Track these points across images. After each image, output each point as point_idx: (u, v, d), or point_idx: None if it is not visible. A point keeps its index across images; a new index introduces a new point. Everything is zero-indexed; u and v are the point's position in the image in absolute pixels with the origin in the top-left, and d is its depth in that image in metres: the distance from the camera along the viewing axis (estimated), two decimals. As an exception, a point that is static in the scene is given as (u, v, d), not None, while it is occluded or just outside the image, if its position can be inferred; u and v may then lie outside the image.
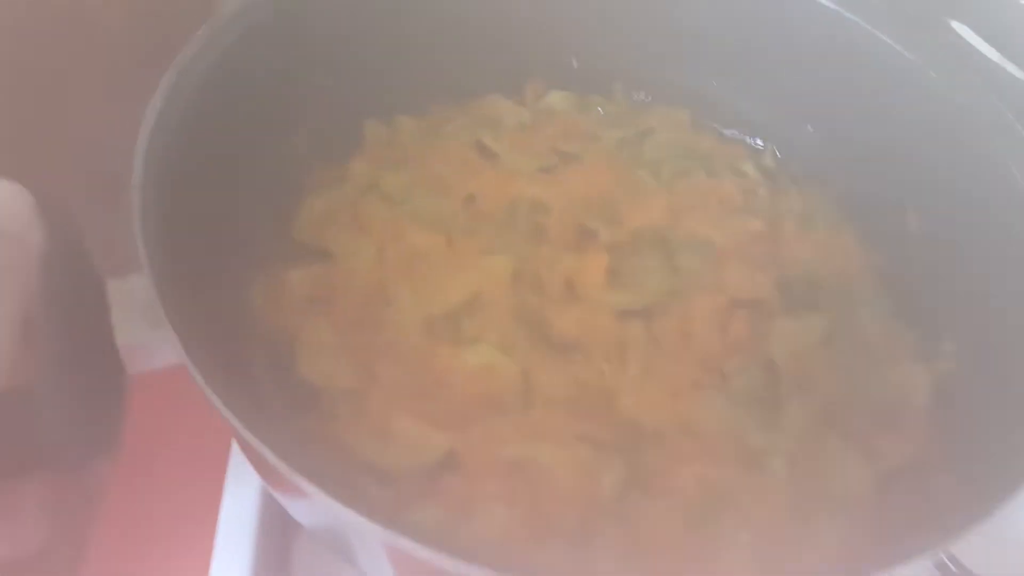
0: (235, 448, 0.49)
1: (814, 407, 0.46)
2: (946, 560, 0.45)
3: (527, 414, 0.45)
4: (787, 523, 0.41)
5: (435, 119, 0.61)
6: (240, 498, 0.47)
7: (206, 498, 0.46)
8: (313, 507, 0.34)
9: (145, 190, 0.35)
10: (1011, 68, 0.48)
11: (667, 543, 0.40)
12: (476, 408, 0.45)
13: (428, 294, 0.49)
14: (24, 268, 0.30)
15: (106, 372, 0.33)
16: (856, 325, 0.50)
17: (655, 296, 0.50)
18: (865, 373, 0.47)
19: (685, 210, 0.55)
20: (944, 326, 0.48)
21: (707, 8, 0.59)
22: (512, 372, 0.46)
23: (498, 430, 0.44)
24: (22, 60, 0.57)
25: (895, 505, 0.40)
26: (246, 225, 0.50)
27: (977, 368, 0.44)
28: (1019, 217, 0.44)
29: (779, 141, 0.61)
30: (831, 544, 0.40)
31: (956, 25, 0.52)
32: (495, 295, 0.50)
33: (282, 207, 0.53)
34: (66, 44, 0.66)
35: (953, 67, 0.49)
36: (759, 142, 0.62)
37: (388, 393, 0.45)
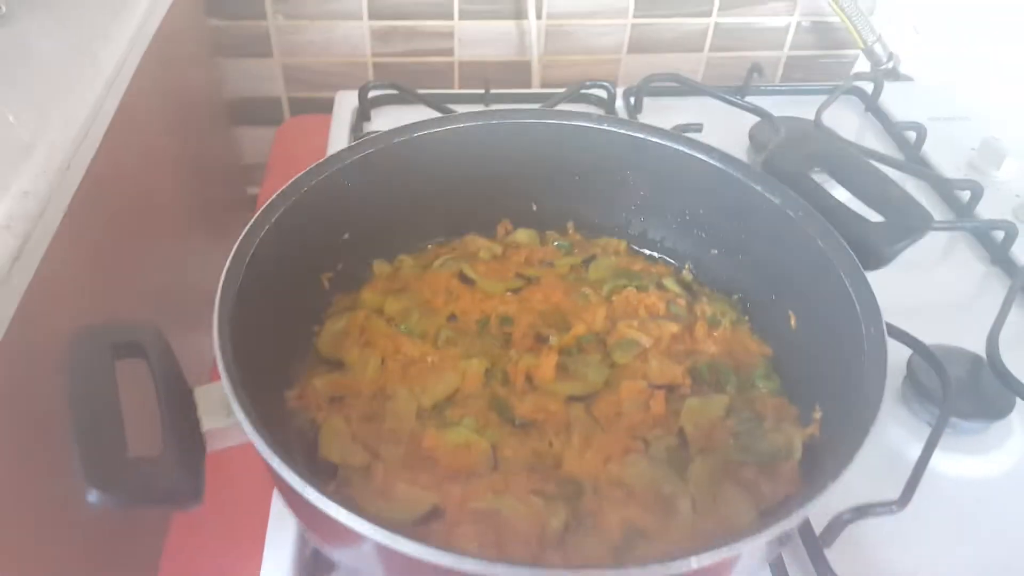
0: (274, 508, 0.64)
1: (714, 463, 0.60)
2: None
3: (494, 476, 0.59)
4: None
5: (428, 256, 0.79)
6: (279, 549, 0.61)
7: (251, 551, 0.61)
8: (345, 538, 0.48)
9: (221, 328, 0.51)
10: (848, 203, 0.65)
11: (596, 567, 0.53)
12: (455, 474, 0.59)
13: (419, 391, 0.65)
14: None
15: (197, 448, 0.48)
16: (750, 400, 0.65)
17: (594, 385, 0.66)
18: (755, 436, 0.62)
19: (619, 317, 0.72)
20: (816, 397, 0.62)
21: (632, 171, 0.77)
22: (484, 446, 0.61)
23: (472, 489, 0.58)
24: (123, 242, 0.76)
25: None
26: (285, 345, 0.67)
27: (835, 428, 0.58)
28: (852, 321, 0.58)
29: (693, 261, 0.78)
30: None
31: (815, 175, 0.69)
32: (472, 389, 0.66)
33: (310, 330, 0.70)
34: (149, 225, 0.86)
35: (804, 208, 0.65)
36: (678, 263, 0.79)
37: (389, 467, 0.60)
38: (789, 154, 0.70)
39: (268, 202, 0.61)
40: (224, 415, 0.49)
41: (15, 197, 0.57)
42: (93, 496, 0.41)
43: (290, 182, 0.64)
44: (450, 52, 1.28)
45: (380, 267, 0.76)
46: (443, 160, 0.75)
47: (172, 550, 0.70)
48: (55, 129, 0.64)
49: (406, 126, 0.71)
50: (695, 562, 0.42)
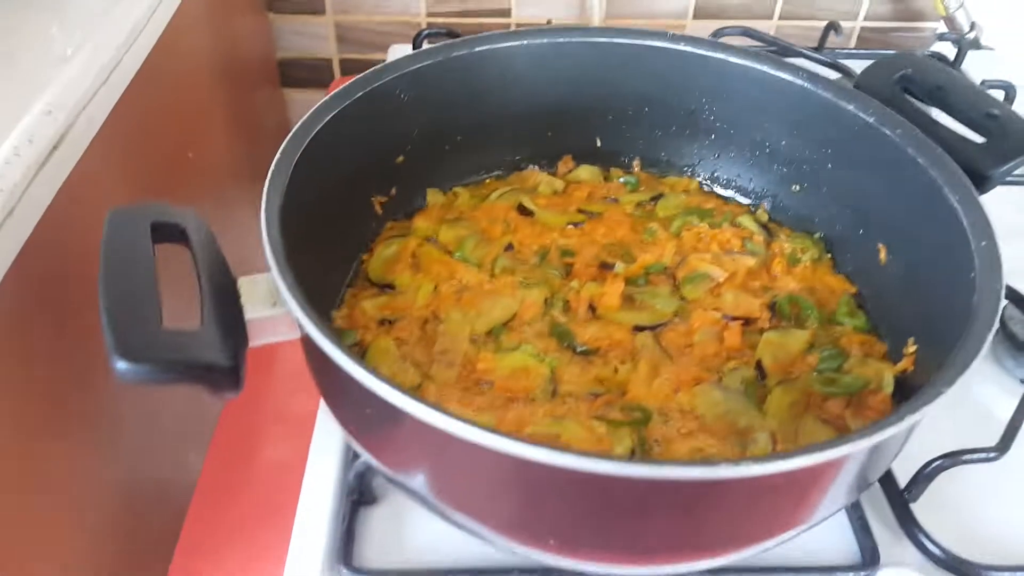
0: (317, 430, 0.60)
1: (795, 395, 0.54)
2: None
3: (553, 402, 0.54)
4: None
5: (485, 189, 0.75)
6: (323, 463, 0.57)
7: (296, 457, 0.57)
8: (399, 423, 0.43)
9: (268, 211, 0.48)
10: (947, 121, 0.59)
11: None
12: (512, 398, 0.55)
13: (473, 316, 0.60)
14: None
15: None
16: (834, 336, 0.59)
17: (662, 315, 0.61)
18: (840, 370, 0.56)
19: (689, 252, 0.66)
20: (908, 332, 0.56)
21: (708, 98, 0.71)
22: (543, 371, 0.56)
23: (529, 414, 0.53)
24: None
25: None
26: (333, 264, 0.63)
27: (929, 361, 0.52)
28: (959, 242, 0.52)
29: (771, 199, 0.72)
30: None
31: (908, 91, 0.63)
32: (530, 316, 0.61)
33: (359, 254, 0.66)
34: (189, 182, 0.83)
35: (903, 124, 0.59)
36: (754, 201, 0.73)
37: (441, 388, 0.56)
38: (879, 77, 0.64)
39: (321, 102, 0.58)
40: (270, 304, 0.46)
41: (58, 87, 0.54)
42: (121, 365, 0.37)
43: (344, 85, 0.60)
44: (507, 12, 1.25)
45: (434, 196, 0.72)
46: (504, 80, 0.71)
47: (207, 479, 0.67)
48: (98, 38, 0.61)
49: (467, 39, 0.67)
50: (788, 464, 0.36)
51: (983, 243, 0.49)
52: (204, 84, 0.92)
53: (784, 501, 0.41)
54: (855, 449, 0.37)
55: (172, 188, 0.80)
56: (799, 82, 0.65)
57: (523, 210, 0.71)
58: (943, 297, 0.53)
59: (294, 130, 0.55)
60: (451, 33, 1.04)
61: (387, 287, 0.64)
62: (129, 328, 0.39)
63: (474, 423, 0.37)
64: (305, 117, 0.57)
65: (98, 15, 0.65)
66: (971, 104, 0.60)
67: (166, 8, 0.75)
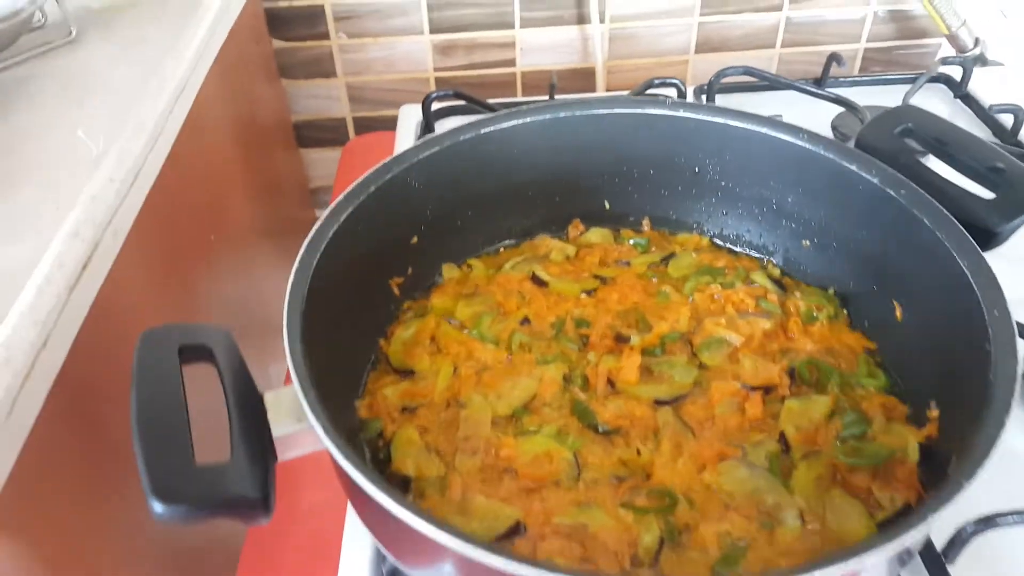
0: (348, 523, 0.61)
1: (821, 469, 0.54)
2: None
3: (578, 488, 0.55)
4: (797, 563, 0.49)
5: (498, 259, 0.76)
6: (356, 567, 0.58)
7: (326, 566, 0.58)
8: (428, 553, 0.44)
9: (290, 327, 0.49)
10: (950, 176, 0.59)
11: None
12: (536, 485, 0.55)
13: (494, 398, 0.61)
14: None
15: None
16: (855, 400, 0.59)
17: (681, 387, 0.61)
18: (864, 439, 0.56)
19: (705, 316, 0.67)
20: (929, 394, 0.56)
21: (711, 159, 0.72)
22: (565, 455, 0.57)
23: (555, 502, 0.54)
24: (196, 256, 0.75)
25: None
26: (354, 353, 0.64)
27: (956, 426, 0.52)
28: (972, 307, 0.52)
29: (782, 255, 0.72)
30: None
31: (910, 142, 0.63)
32: (549, 395, 0.62)
33: (380, 339, 0.68)
34: (216, 241, 0.85)
35: (906, 186, 0.59)
36: (765, 257, 0.73)
37: (466, 478, 0.56)
38: (881, 131, 0.65)
39: (336, 202, 0.59)
40: (295, 420, 0.47)
41: (84, 204, 0.56)
42: (158, 508, 0.39)
43: (357, 181, 0.62)
44: (512, 63, 1.27)
45: (450, 271, 0.74)
46: (511, 157, 0.72)
47: (244, 571, 0.68)
48: (123, 140, 0.64)
49: (472, 123, 0.69)
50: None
51: (995, 312, 0.49)
52: (225, 161, 0.94)
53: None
54: (885, 553, 0.37)
55: (197, 272, 0.83)
56: (800, 143, 0.65)
57: (536, 279, 0.72)
58: (961, 361, 0.53)
59: (311, 234, 0.57)
60: (458, 94, 1.06)
61: (407, 372, 0.65)
62: (164, 469, 0.40)
63: (487, 546, 0.38)
64: (321, 219, 0.58)
65: (122, 111, 0.67)
66: (974, 157, 0.60)
67: (187, 97, 0.77)
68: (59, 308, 0.51)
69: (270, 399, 0.48)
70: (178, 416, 0.43)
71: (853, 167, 0.62)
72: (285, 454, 0.47)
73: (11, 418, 0.45)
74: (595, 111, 0.70)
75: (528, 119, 0.70)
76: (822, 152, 0.64)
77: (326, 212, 0.58)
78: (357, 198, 0.61)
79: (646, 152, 0.74)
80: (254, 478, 0.42)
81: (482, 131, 0.69)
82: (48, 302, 0.50)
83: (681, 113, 0.69)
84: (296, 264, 0.54)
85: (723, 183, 0.73)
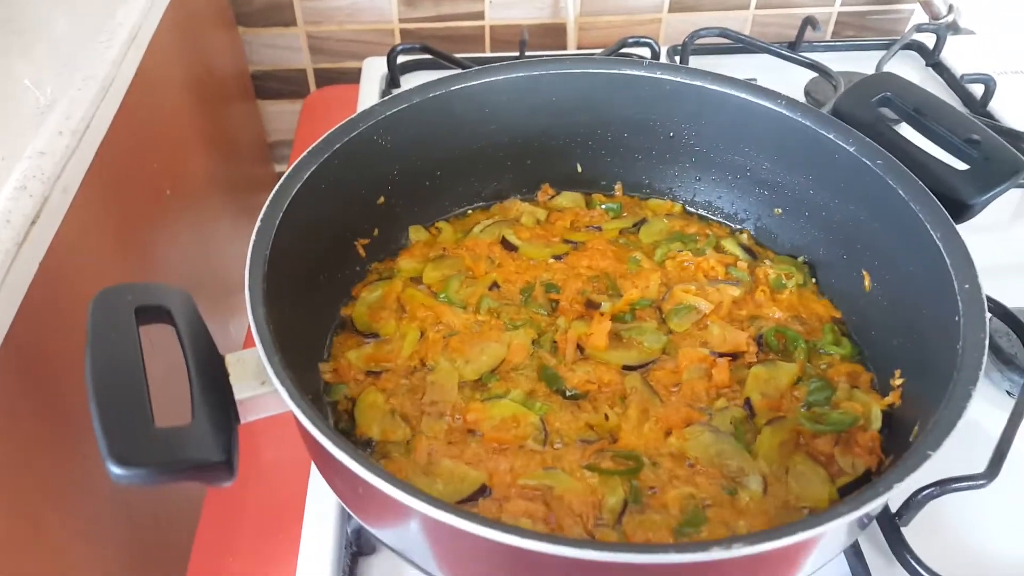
0: (312, 481, 0.60)
1: (785, 435, 0.55)
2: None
3: (544, 451, 0.55)
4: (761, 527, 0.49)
5: (467, 221, 0.75)
6: (319, 529, 0.57)
7: (289, 525, 0.57)
8: (393, 515, 0.44)
9: (252, 288, 0.47)
10: (924, 144, 0.59)
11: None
12: (503, 448, 0.55)
13: (462, 363, 0.60)
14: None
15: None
16: (820, 367, 0.60)
17: (651, 353, 0.61)
18: (828, 406, 0.56)
19: (675, 283, 0.66)
20: (894, 363, 0.57)
21: (687, 123, 0.71)
22: (532, 419, 0.56)
23: (521, 464, 0.54)
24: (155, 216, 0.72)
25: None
26: (318, 316, 0.63)
27: (920, 395, 0.53)
28: (943, 280, 0.52)
29: (753, 222, 0.72)
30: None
31: (884, 111, 0.63)
32: (518, 359, 0.61)
33: (345, 297, 0.66)
34: (171, 196, 0.82)
35: (882, 155, 0.59)
36: (736, 225, 0.73)
37: (432, 441, 0.56)
38: (859, 99, 0.64)
39: (299, 158, 0.57)
40: (258, 383, 0.46)
41: (31, 157, 0.53)
42: (116, 471, 0.38)
43: (322, 138, 0.60)
44: (480, 15, 1.23)
45: (417, 233, 0.72)
46: (482, 115, 0.70)
47: (204, 532, 0.67)
48: (72, 91, 0.60)
49: (442, 79, 0.67)
50: (768, 545, 0.37)
51: (966, 286, 0.49)
52: (180, 114, 0.90)
53: (780, 564, 0.42)
54: (848, 520, 0.38)
55: (153, 229, 0.80)
56: (778, 109, 0.65)
57: (507, 244, 0.71)
58: (928, 332, 0.54)
59: (273, 192, 0.55)
60: (425, 48, 1.02)
61: (372, 335, 0.64)
62: (122, 431, 0.39)
63: (451, 508, 0.38)
64: (284, 177, 0.56)
65: (70, 58, 0.64)
66: (951, 129, 0.60)
67: (138, 46, 0.74)
68: (6, 266, 0.48)
69: (232, 361, 0.47)
70: (135, 378, 0.42)
71: (830, 135, 0.62)
72: (247, 416, 0.46)
73: (-43, 380, 0.43)
74: (570, 69, 0.69)
75: (501, 76, 0.68)
76: (799, 119, 0.64)
77: (289, 169, 0.56)
78: (322, 155, 0.59)
79: (621, 114, 0.72)
80: (217, 441, 0.41)
81: (452, 88, 0.67)
82: (-5, 258, 0.47)
83: (659, 75, 0.68)
84: (258, 223, 0.52)
85: (698, 148, 0.72)
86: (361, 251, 0.68)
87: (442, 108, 0.67)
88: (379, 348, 0.62)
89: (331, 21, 1.20)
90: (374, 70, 1.07)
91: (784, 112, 0.64)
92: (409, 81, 1.05)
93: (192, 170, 0.93)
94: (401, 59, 1.04)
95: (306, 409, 0.42)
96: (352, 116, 0.62)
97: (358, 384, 0.60)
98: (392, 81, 1.04)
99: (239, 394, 0.45)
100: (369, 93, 1.02)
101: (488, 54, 1.24)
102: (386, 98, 0.65)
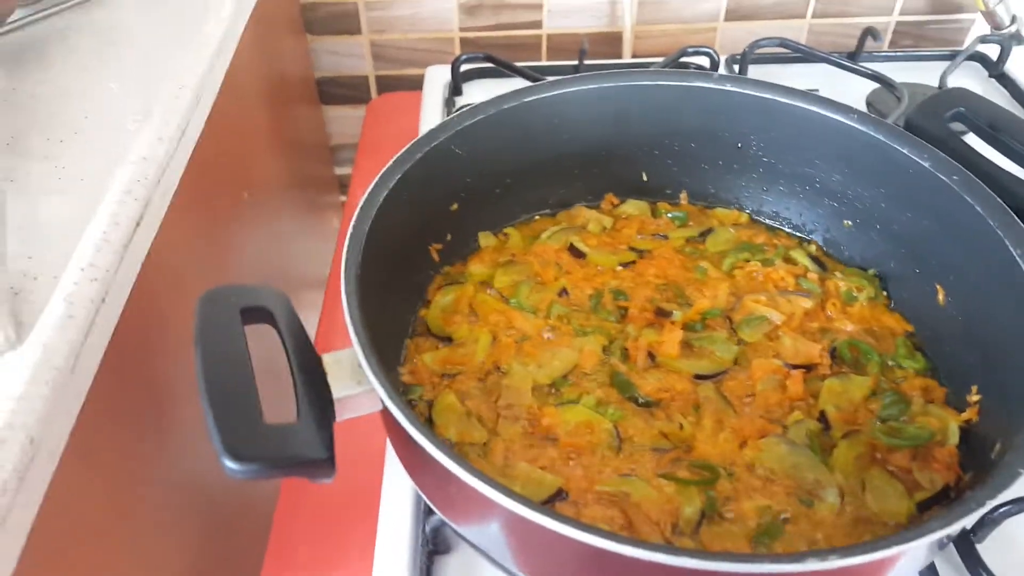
0: (387, 477, 0.62)
1: (861, 448, 0.55)
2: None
3: (619, 458, 0.56)
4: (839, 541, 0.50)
5: (534, 227, 0.76)
6: (396, 515, 0.59)
7: (363, 520, 0.59)
8: (476, 509, 0.46)
9: (348, 292, 0.49)
10: (1002, 162, 0.59)
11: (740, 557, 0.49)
12: (577, 453, 0.56)
13: (534, 368, 0.62)
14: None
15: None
16: (894, 381, 0.60)
17: (722, 363, 0.62)
18: (903, 420, 0.57)
19: (744, 292, 0.67)
20: (970, 379, 0.57)
21: (756, 135, 0.71)
22: (606, 426, 0.57)
23: (596, 471, 0.55)
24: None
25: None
26: (396, 319, 0.65)
27: (999, 411, 0.53)
28: (1018, 289, 0.53)
29: (822, 233, 0.72)
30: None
31: (956, 126, 0.63)
32: (589, 365, 0.62)
33: (419, 300, 0.68)
34: (251, 199, 0.85)
35: (958, 171, 0.59)
36: (805, 235, 0.73)
37: (508, 445, 0.57)
38: (931, 115, 0.64)
39: (386, 168, 0.59)
40: (355, 383, 0.48)
41: (135, 162, 0.56)
42: (231, 465, 0.40)
43: (405, 149, 0.61)
44: (538, 24, 1.25)
45: (486, 239, 0.74)
46: (552, 125, 0.72)
47: (280, 525, 0.70)
48: (167, 98, 0.63)
49: (516, 91, 0.68)
50: (864, 558, 0.37)
51: (1049, 302, 0.49)
52: (256, 118, 0.94)
53: None
54: (941, 534, 0.38)
55: (232, 229, 0.83)
56: (850, 123, 0.65)
57: (574, 250, 0.72)
58: (1007, 349, 0.54)
59: (363, 199, 0.57)
60: (488, 57, 1.04)
61: (446, 339, 0.65)
62: (234, 427, 0.41)
63: (544, 509, 0.39)
64: (370, 188, 0.58)
65: (164, 69, 0.67)
66: (1028, 144, 0.60)
67: (225, 55, 0.76)
68: (116, 265, 0.51)
69: (329, 361, 0.49)
70: (245, 376, 0.44)
71: (904, 150, 0.62)
72: (342, 415, 0.48)
73: (75, 374, 0.46)
74: (642, 82, 0.70)
75: (573, 88, 0.69)
76: (873, 133, 0.64)
77: (376, 178, 0.58)
78: (405, 164, 0.61)
79: (688, 124, 0.73)
80: (321, 439, 0.43)
81: (526, 99, 0.68)
82: (106, 259, 0.50)
83: (728, 87, 0.69)
84: (350, 229, 0.54)
85: (766, 159, 0.73)
86: (435, 255, 0.70)
87: (515, 119, 0.69)
88: (453, 351, 0.64)
89: (394, 30, 1.23)
90: (437, 77, 1.09)
91: (857, 126, 0.65)
92: (471, 88, 1.07)
93: (264, 173, 0.96)
94: (464, 67, 1.06)
95: (404, 409, 0.44)
96: (432, 128, 0.64)
97: (434, 386, 0.62)
98: (455, 89, 1.06)
99: (337, 393, 0.47)
100: (433, 101, 1.04)
101: (546, 62, 1.26)
102: (463, 109, 0.67)
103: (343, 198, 1.39)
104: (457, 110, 0.67)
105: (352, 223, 0.54)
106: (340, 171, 1.38)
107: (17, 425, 0.42)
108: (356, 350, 0.46)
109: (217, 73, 0.72)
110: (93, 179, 0.55)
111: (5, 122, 0.59)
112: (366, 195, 0.57)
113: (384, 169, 0.59)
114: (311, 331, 0.78)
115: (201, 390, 0.42)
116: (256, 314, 0.48)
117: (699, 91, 0.70)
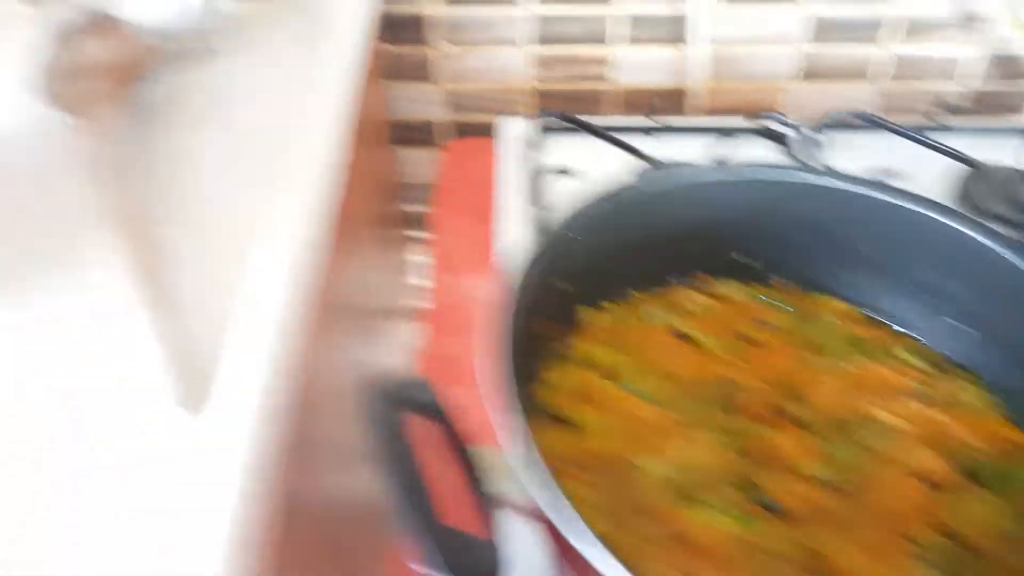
0: None
1: (1002, 573, 0.55)
2: None
3: (750, 564, 0.55)
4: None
5: (631, 304, 0.76)
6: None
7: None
8: None
9: (511, 404, 0.49)
10: None
11: None
12: (709, 558, 0.56)
13: (659, 463, 0.61)
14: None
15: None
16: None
17: (847, 470, 0.61)
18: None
19: (859, 393, 0.67)
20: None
21: (866, 235, 0.71)
22: (735, 531, 0.57)
23: (731, 577, 0.54)
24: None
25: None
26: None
27: None
28: None
29: (919, 328, 0.72)
30: None
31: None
32: (711, 462, 0.62)
33: (528, 378, 0.67)
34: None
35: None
36: (901, 328, 0.73)
37: (635, 539, 0.57)
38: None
39: (531, 254, 0.60)
40: (504, 480, 0.47)
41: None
42: (421, 568, 0.39)
43: (541, 240, 0.62)
44: (605, 78, 1.26)
45: (586, 313, 0.73)
46: (660, 213, 0.72)
47: None
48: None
49: (638, 184, 0.69)
50: None
51: None
52: (358, 160, 0.95)
53: None
54: None
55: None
56: (970, 233, 0.65)
57: (679, 334, 0.72)
58: None
59: (500, 297, 0.57)
60: (564, 116, 1.06)
61: (562, 421, 0.65)
62: (421, 528, 0.40)
63: None
64: (522, 274, 0.59)
65: (281, 126, 0.67)
66: None
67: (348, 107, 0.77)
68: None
69: (477, 456, 0.48)
70: (418, 473, 0.43)
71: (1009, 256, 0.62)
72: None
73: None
74: (767, 178, 0.70)
75: (687, 181, 0.70)
76: (996, 247, 0.64)
77: (524, 264, 0.59)
78: (541, 249, 0.61)
79: (793, 214, 0.73)
80: (496, 549, 0.42)
81: (646, 190, 0.69)
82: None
83: (843, 185, 0.69)
84: (488, 332, 0.54)
85: (873, 257, 0.72)
86: (543, 331, 0.69)
87: (631, 208, 0.69)
88: (575, 437, 0.63)
89: (466, 80, 1.24)
90: (509, 129, 1.11)
91: (977, 237, 0.64)
92: (547, 143, 1.08)
93: (356, 208, 0.98)
94: (541, 123, 1.07)
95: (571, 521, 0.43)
96: (565, 217, 0.65)
97: (562, 474, 0.61)
98: (532, 143, 1.07)
99: (491, 489, 0.47)
100: (508, 151, 1.07)
101: (615, 117, 1.26)
102: (584, 205, 0.67)
103: (409, 232, 1.40)
104: (608, 192, 0.67)
105: (495, 326, 0.54)
106: (408, 208, 1.41)
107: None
108: (519, 467, 0.45)
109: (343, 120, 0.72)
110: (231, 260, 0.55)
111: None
112: (517, 283, 0.57)
113: (532, 255, 0.60)
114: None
115: (390, 491, 0.41)
116: (416, 406, 0.48)
117: (810, 187, 0.70)
